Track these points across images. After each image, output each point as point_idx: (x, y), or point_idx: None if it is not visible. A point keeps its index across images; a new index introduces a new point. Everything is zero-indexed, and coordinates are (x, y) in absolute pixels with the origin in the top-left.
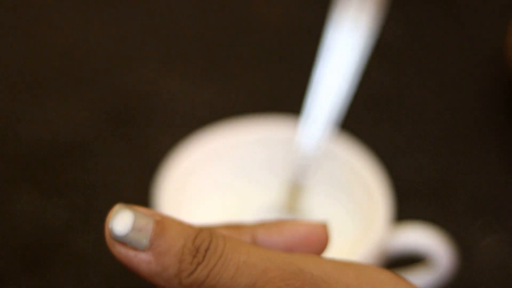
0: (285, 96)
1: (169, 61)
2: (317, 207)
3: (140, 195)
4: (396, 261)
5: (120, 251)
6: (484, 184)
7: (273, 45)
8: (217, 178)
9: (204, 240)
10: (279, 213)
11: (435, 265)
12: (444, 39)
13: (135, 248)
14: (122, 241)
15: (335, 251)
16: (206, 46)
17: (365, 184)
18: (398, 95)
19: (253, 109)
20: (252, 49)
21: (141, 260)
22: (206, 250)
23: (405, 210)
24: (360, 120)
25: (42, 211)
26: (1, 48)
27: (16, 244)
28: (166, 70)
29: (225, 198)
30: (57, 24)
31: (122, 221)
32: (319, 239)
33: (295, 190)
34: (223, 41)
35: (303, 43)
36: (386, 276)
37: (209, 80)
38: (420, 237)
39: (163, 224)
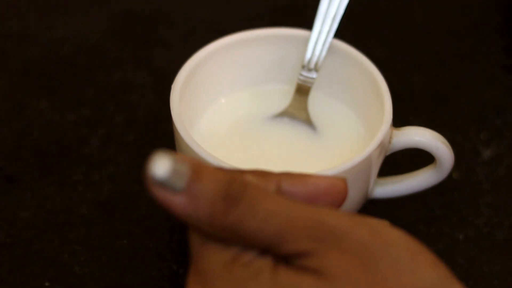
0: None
1: None
2: (322, 105)
3: (147, 107)
4: (398, 163)
5: (159, 193)
6: (484, 98)
7: None
8: (225, 75)
9: (236, 187)
10: (286, 116)
11: (440, 163)
12: None
13: (172, 191)
14: (160, 184)
15: (342, 149)
16: None
17: (374, 81)
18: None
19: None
20: None
21: (177, 201)
22: (237, 197)
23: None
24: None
25: (53, 121)
26: None
27: (31, 149)
28: None
29: (232, 96)
30: None
31: (162, 165)
32: (338, 191)
33: (302, 89)
34: None
35: None
36: (398, 234)
37: None
38: (427, 134)
39: (199, 169)
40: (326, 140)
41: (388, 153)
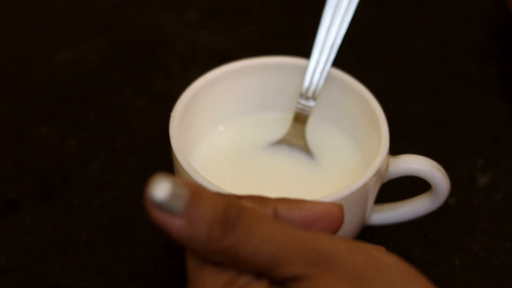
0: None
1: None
2: (319, 133)
3: (147, 132)
4: (395, 190)
5: (158, 215)
6: (481, 124)
7: None
8: (224, 103)
9: (233, 211)
10: (284, 144)
11: (436, 191)
12: None
13: (171, 213)
14: (160, 206)
15: (339, 176)
16: None
17: (371, 110)
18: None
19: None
20: None
21: (175, 224)
22: (234, 222)
23: (401, 150)
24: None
25: (54, 146)
26: None
27: (32, 174)
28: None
29: (231, 124)
30: None
31: (161, 188)
32: (334, 217)
33: (300, 117)
34: None
35: None
36: (392, 259)
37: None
38: (423, 162)
39: (198, 194)
40: (324, 167)
41: (384, 181)
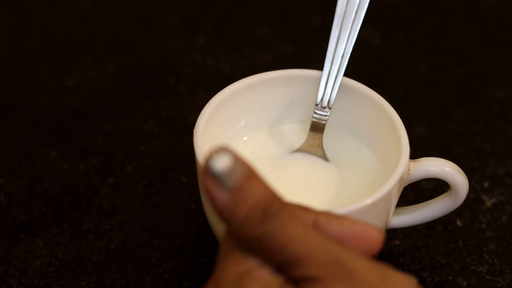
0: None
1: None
2: (336, 142)
3: (156, 156)
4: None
5: (209, 183)
6: (486, 147)
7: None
8: (241, 117)
9: (276, 206)
10: (302, 153)
11: (456, 191)
12: (440, 3)
13: (221, 185)
14: (214, 176)
15: (359, 183)
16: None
17: (388, 116)
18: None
19: None
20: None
21: (221, 197)
22: (273, 215)
23: None
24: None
25: (64, 170)
26: (19, 19)
27: (42, 198)
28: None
29: (248, 136)
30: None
31: (222, 161)
32: (371, 239)
33: (317, 127)
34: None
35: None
36: (408, 282)
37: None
38: (443, 164)
39: (252, 177)
40: (343, 175)
41: (405, 184)
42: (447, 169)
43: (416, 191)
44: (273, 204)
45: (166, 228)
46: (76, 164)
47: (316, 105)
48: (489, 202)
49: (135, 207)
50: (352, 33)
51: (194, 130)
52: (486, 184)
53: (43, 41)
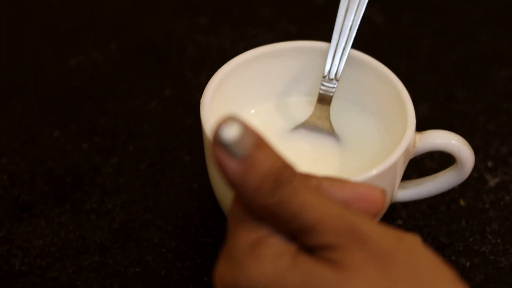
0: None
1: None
2: (343, 114)
3: (159, 136)
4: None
5: (218, 153)
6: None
7: None
8: (252, 87)
9: (287, 174)
10: (309, 126)
11: (462, 165)
12: None
13: (231, 155)
14: (223, 146)
15: (366, 156)
16: None
17: (395, 89)
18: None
19: None
20: None
21: (232, 167)
22: (284, 182)
23: None
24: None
25: (67, 150)
26: (21, 2)
27: (44, 178)
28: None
29: (255, 110)
30: None
31: (231, 130)
32: (374, 201)
33: (324, 99)
34: None
35: None
36: (424, 248)
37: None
38: (449, 137)
39: (262, 146)
40: (350, 147)
41: (411, 157)
42: (453, 141)
43: (419, 170)
44: (284, 172)
45: (168, 208)
46: (79, 144)
47: (324, 77)
48: (492, 182)
49: (138, 187)
50: (360, 5)
51: (201, 101)
52: (490, 164)
53: (45, 22)
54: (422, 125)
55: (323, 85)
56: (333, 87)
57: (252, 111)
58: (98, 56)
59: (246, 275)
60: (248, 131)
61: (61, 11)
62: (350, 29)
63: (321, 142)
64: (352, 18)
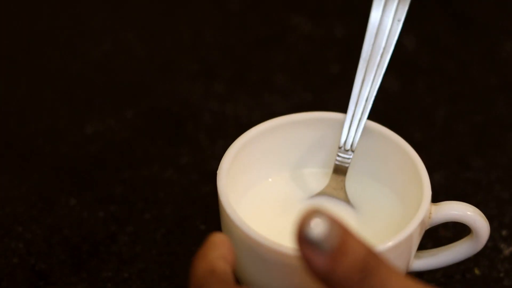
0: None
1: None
2: (358, 185)
3: (175, 204)
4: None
5: (305, 250)
6: (504, 196)
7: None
8: (264, 160)
9: (372, 261)
10: (325, 196)
11: (477, 235)
12: (458, 51)
13: (318, 250)
14: (310, 243)
15: (381, 226)
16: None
17: (410, 159)
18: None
19: None
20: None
21: (319, 262)
22: (372, 271)
23: None
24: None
25: (83, 218)
26: (39, 66)
27: (61, 246)
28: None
29: (271, 180)
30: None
31: (318, 227)
32: None
33: (339, 169)
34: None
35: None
36: None
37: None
38: (465, 208)
39: (347, 235)
40: (365, 218)
41: (427, 228)
42: (468, 213)
43: (434, 239)
44: (370, 260)
45: (185, 277)
46: (95, 212)
47: (339, 147)
48: (507, 251)
49: (154, 255)
50: (376, 77)
51: (218, 172)
52: (504, 232)
53: (63, 88)
54: (436, 193)
55: (338, 156)
56: (348, 158)
57: (270, 180)
58: (114, 123)
59: None
60: (334, 224)
61: (78, 77)
62: (366, 100)
63: (337, 212)
64: (368, 89)
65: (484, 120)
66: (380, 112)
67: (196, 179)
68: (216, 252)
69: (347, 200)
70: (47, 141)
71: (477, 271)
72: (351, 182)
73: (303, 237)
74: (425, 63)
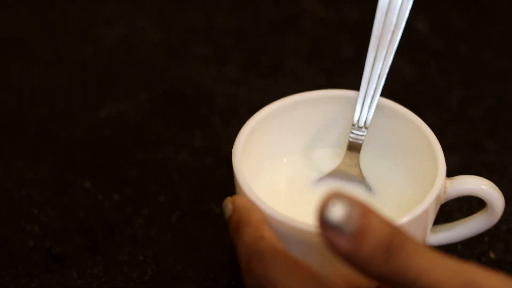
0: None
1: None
2: (372, 163)
3: (189, 187)
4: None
5: (327, 234)
6: None
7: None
8: (277, 139)
9: (397, 239)
10: (339, 174)
11: (492, 209)
12: (471, 34)
13: (340, 233)
14: (331, 226)
15: (396, 203)
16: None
17: (424, 135)
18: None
19: None
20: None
21: (342, 244)
22: (397, 249)
23: None
24: None
25: (98, 201)
26: (53, 50)
27: (76, 229)
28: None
29: (285, 159)
30: (108, 26)
31: (337, 211)
32: None
33: (353, 146)
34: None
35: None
36: None
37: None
38: (480, 182)
39: (368, 215)
40: (380, 195)
41: (442, 202)
42: (483, 186)
43: (447, 220)
44: (395, 238)
45: (200, 260)
46: (110, 195)
47: (353, 125)
48: None
49: (169, 238)
50: (388, 54)
51: (233, 151)
52: None
53: (76, 72)
54: (450, 176)
55: (352, 133)
56: (362, 135)
57: (285, 160)
58: (128, 107)
59: None
60: (353, 205)
61: (91, 61)
62: (379, 77)
63: (351, 189)
64: (380, 66)
65: (497, 104)
66: (394, 95)
67: (210, 162)
68: (256, 216)
69: (361, 177)
70: (61, 125)
71: (492, 255)
72: (364, 160)
73: (324, 221)
74: (438, 46)
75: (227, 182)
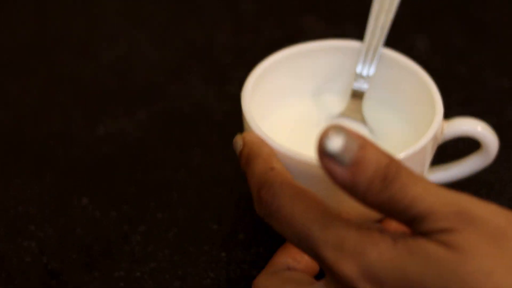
0: None
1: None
2: (375, 113)
3: (187, 205)
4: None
5: (326, 163)
6: None
7: None
8: (284, 85)
9: (393, 170)
10: (343, 118)
11: (487, 150)
12: (471, 54)
13: (338, 163)
14: (330, 156)
15: (396, 146)
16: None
17: (424, 82)
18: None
19: None
20: None
21: (340, 174)
22: (393, 179)
23: None
24: None
25: (95, 218)
26: (52, 68)
27: (73, 246)
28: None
29: (291, 104)
30: (107, 44)
31: (335, 141)
32: None
33: (357, 94)
34: None
35: None
36: None
37: None
38: (475, 124)
39: (366, 147)
40: (381, 138)
41: (439, 143)
42: (478, 128)
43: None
44: (391, 168)
45: (197, 276)
46: (108, 212)
47: (357, 74)
48: None
49: (166, 254)
50: (391, 6)
51: (242, 93)
52: None
53: (76, 90)
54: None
55: (356, 81)
56: (365, 84)
57: (292, 103)
58: (127, 125)
59: (368, 260)
60: (351, 137)
61: (91, 80)
62: (382, 28)
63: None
64: (383, 18)
65: (497, 123)
66: None
67: (209, 180)
68: (266, 149)
69: (364, 122)
70: (60, 142)
71: None
72: (367, 107)
73: (322, 151)
74: (438, 66)
75: (225, 201)
